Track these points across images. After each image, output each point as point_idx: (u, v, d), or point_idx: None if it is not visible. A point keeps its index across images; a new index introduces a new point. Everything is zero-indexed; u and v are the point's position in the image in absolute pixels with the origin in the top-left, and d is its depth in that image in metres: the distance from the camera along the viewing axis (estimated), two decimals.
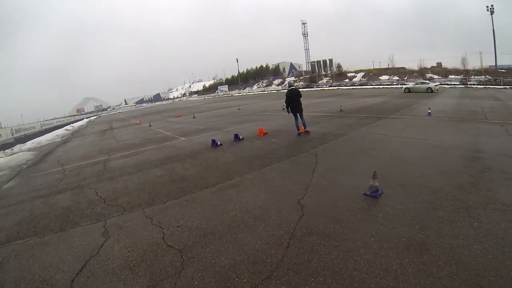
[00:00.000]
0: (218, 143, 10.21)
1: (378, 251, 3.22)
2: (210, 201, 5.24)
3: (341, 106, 19.00)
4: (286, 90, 11.13)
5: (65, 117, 67.92)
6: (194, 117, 23.90)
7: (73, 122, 45.48)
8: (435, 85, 36.00)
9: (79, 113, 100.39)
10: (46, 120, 42.94)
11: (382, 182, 4.88)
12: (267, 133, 11.74)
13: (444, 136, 8.81)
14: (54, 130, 30.21)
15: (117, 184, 6.95)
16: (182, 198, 5.56)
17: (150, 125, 21.27)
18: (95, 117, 66.41)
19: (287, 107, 11.12)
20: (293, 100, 10.82)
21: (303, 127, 11.05)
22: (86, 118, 61.08)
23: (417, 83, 38.69)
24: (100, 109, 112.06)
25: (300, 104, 10.95)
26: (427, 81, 42.16)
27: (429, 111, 13.86)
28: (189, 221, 4.53)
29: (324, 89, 67.53)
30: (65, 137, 23.05)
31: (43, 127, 31.30)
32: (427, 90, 34.18)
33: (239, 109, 27.60)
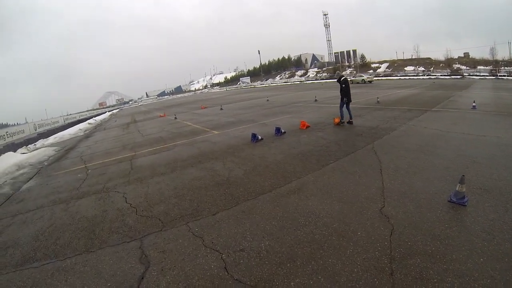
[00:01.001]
0: (259, 137, 9.04)
1: (494, 275, 2.61)
2: (272, 212, 4.17)
3: (378, 98, 17.81)
4: (342, 79, 10.59)
5: (87, 110, 68.68)
6: (221, 108, 22.83)
7: (95, 116, 45.47)
8: (367, 77, 47.16)
9: (102, 107, 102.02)
10: (70, 115, 43.05)
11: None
12: (309, 126, 10.59)
13: (501, 132, 7.80)
14: (77, 124, 30.14)
15: (149, 187, 5.85)
16: (235, 208, 4.45)
17: (175, 118, 20.33)
18: (117, 110, 66.88)
19: (346, 96, 10.44)
20: (347, 89, 10.40)
21: (349, 117, 10.66)
22: (109, 111, 61.29)
23: (355, 76, 51.02)
24: (122, 102, 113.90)
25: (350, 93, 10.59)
26: (362, 74, 53.83)
27: (474, 104, 12.73)
28: (254, 241, 3.45)
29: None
30: (87, 131, 22.58)
31: (66, 122, 31.06)
32: (362, 81, 44.54)
33: (267, 100, 26.25)
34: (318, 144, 7.93)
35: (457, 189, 3.94)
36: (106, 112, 58.53)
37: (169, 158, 8.27)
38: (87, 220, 4.64)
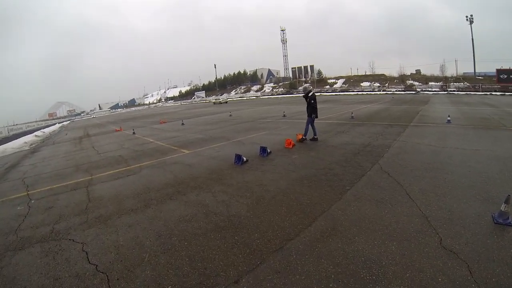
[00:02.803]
0: (244, 159, 7.70)
1: None
2: (319, 268, 3.08)
3: (352, 113, 17.76)
4: (310, 94, 10.16)
5: (36, 121, 63.39)
6: (183, 123, 21.02)
7: (44, 128, 41.44)
8: (222, 99, 60.64)
9: (51, 118, 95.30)
10: (16, 125, 39.01)
11: (494, 205, 4.16)
12: (294, 144, 9.53)
13: (490, 145, 8.04)
14: (23, 136, 26.98)
15: (119, 234, 4.24)
16: (262, 267, 3.16)
17: (134, 133, 18.30)
18: (68, 122, 62.15)
19: (314, 112, 10.07)
20: (316, 105, 10.10)
21: (313, 134, 10.31)
22: (59, 123, 56.70)
23: (216, 98, 65.79)
24: (73, 114, 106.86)
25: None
26: (219, 97, 66.15)
27: (448, 118, 13.15)
28: None
29: None
30: (34, 145, 19.93)
31: (11, 133, 27.55)
32: (220, 102, 56.61)
33: (230, 115, 24.92)
34: (318, 166, 6.90)
35: (502, 209, 3.75)
36: (56, 123, 54.10)
37: (137, 185, 6.63)
38: None
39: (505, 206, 3.73)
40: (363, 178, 5.82)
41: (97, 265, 3.43)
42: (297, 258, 3.26)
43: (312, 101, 9.92)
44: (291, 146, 9.26)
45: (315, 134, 10.15)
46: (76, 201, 5.98)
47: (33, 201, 6.29)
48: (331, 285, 2.78)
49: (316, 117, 10.13)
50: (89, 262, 3.51)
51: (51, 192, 6.85)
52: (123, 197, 5.89)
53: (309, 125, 10.16)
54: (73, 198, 6.22)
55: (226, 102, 55.90)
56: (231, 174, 6.84)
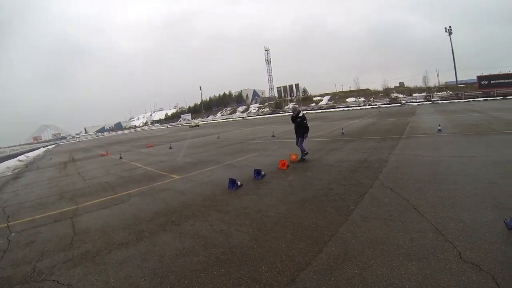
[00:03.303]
0: (238, 183, 7.36)
1: None
2: None
3: (342, 129, 17.78)
4: (301, 114, 10.05)
5: (20, 145, 61.78)
6: (170, 147, 20.45)
7: (28, 151, 40.19)
8: (194, 123, 62.83)
9: (36, 141, 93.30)
10: None
11: (504, 210, 4.18)
12: (288, 165, 9.24)
13: (485, 151, 8.21)
14: (6, 160, 26.29)
15: (109, 274, 3.79)
16: None
17: (120, 157, 17.72)
18: (53, 146, 60.67)
19: (307, 132, 9.90)
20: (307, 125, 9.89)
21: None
22: (43, 147, 55.24)
23: (187, 122, 66.30)
24: (58, 137, 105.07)
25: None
26: (191, 121, 71.23)
27: (439, 127, 13.29)
28: None
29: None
30: (17, 170, 19.30)
31: None
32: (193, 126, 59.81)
33: (218, 137, 24.53)
34: (317, 187, 6.63)
35: None
36: (40, 147, 52.69)
37: (126, 215, 6.19)
38: None
39: None
40: (366, 196, 5.62)
41: None
42: None
43: (305, 121, 9.74)
44: (285, 167, 8.98)
45: (303, 154, 9.96)
46: (60, 234, 5.53)
47: (13, 234, 5.84)
48: None
49: (307, 136, 10.00)
50: None
51: (33, 224, 6.38)
52: (112, 229, 5.47)
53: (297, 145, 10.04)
54: (57, 230, 5.77)
55: (198, 126, 60.62)
56: (226, 200, 6.48)
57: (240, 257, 3.80)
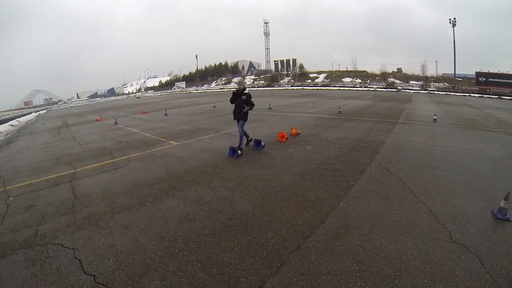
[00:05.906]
0: (239, 152, 7.42)
1: None
2: (344, 268, 2.98)
3: (339, 108, 17.94)
4: (247, 92, 7.89)
5: (11, 110, 60.51)
6: (166, 114, 20.37)
7: (20, 116, 39.31)
8: (138, 96, 66.11)
9: (27, 106, 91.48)
10: None
11: (492, 201, 4.48)
12: (288, 138, 9.32)
13: (478, 145, 8.42)
14: None
15: (114, 237, 3.81)
16: (283, 269, 2.99)
17: (116, 123, 17.45)
18: (45, 111, 59.40)
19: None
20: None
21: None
22: (35, 112, 54.00)
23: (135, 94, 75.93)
24: (50, 103, 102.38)
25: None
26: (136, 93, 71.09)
27: (435, 117, 13.65)
28: None
29: (287, 89, 67.08)
30: (9, 135, 18.67)
31: None
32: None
33: (214, 106, 24.46)
34: (318, 161, 6.78)
35: (501, 205, 4.00)
36: (32, 112, 51.52)
37: (127, 180, 6.17)
38: None
39: (505, 203, 3.97)
40: (364, 174, 5.86)
41: (94, 276, 3.03)
42: (318, 257, 3.11)
43: (251, 100, 7.84)
44: (284, 140, 9.05)
45: (248, 137, 8.50)
46: (60, 198, 5.45)
47: (11, 198, 5.68)
48: (359, 283, 2.74)
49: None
50: (85, 272, 3.10)
51: (31, 188, 6.21)
52: (113, 193, 5.45)
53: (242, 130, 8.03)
54: (57, 194, 5.66)
55: (140, 98, 64.54)
56: (228, 168, 6.53)
57: (246, 224, 3.88)
